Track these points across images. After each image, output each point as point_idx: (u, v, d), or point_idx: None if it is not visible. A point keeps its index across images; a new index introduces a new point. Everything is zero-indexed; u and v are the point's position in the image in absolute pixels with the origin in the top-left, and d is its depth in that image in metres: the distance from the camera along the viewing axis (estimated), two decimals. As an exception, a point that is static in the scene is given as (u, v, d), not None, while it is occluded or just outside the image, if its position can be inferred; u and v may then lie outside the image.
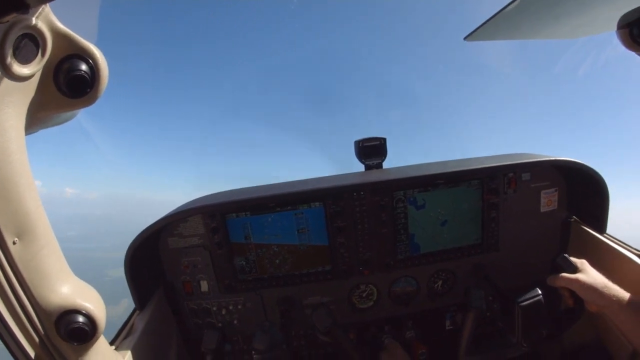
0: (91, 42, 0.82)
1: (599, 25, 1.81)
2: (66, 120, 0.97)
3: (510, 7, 1.51)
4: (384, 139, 1.87)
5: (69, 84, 0.80)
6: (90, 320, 0.97)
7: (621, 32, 1.21)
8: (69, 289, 0.95)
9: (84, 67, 0.79)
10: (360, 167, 1.97)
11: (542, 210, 1.87)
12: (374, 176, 1.76)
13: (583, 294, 1.43)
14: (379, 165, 1.91)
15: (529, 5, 1.53)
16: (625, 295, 1.35)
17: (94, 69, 0.81)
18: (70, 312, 0.93)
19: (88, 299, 0.98)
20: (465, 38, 1.83)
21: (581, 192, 1.85)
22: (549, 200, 1.87)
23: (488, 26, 1.71)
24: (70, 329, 0.93)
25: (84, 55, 0.80)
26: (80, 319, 0.94)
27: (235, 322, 1.81)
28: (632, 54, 1.34)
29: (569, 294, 1.51)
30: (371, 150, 1.88)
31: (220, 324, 1.81)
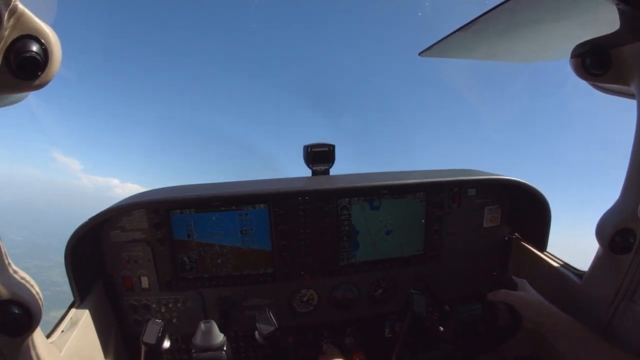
0: (48, 23, 0.79)
1: (553, 53, 1.87)
2: (15, 102, 0.93)
3: (467, 27, 1.55)
4: (333, 146, 1.88)
5: (20, 65, 0.76)
6: (26, 311, 0.92)
7: (574, 61, 1.25)
8: (3, 279, 0.90)
9: (35, 48, 0.76)
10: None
11: (485, 225, 1.92)
12: (320, 182, 1.78)
13: (522, 311, 1.48)
14: (326, 172, 1.92)
15: (485, 26, 1.57)
16: (561, 315, 1.40)
17: (47, 51, 0.78)
18: (4, 303, 0.89)
19: (24, 290, 0.93)
20: (420, 54, 1.86)
21: (524, 210, 1.91)
22: (492, 216, 1.93)
23: (444, 44, 1.74)
24: (5, 321, 0.88)
25: (38, 36, 0.77)
26: (16, 310, 0.89)
27: (174, 320, 1.79)
28: (584, 82, 1.39)
29: (508, 310, 1.56)
30: (319, 156, 1.88)
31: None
